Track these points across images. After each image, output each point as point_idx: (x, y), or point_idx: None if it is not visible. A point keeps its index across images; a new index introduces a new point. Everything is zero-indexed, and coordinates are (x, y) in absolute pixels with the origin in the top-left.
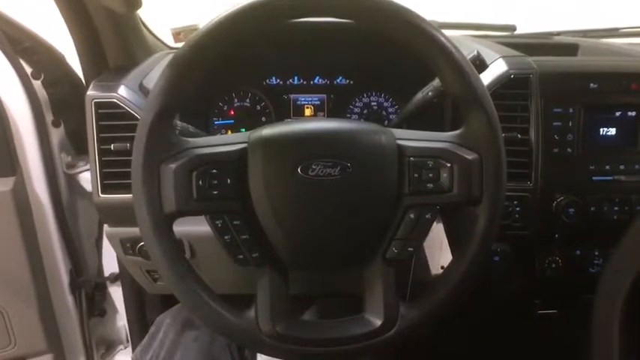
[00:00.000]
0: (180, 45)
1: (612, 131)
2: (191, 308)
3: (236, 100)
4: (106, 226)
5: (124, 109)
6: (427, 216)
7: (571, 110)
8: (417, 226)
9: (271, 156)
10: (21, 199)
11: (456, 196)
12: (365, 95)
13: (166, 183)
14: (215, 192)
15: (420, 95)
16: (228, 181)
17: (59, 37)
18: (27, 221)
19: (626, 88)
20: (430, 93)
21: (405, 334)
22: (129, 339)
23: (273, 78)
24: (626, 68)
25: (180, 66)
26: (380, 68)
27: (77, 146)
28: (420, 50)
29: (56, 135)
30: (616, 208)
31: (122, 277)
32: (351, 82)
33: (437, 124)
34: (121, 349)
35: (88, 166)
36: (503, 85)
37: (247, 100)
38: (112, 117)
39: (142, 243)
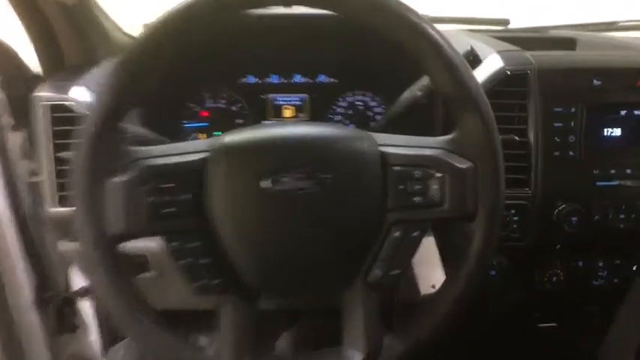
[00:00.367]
0: None
1: (617, 132)
2: (140, 341)
3: (209, 101)
4: (61, 242)
5: (77, 112)
6: (414, 234)
7: (573, 109)
8: (403, 246)
9: (235, 167)
10: None
11: (448, 210)
12: (350, 94)
13: (112, 200)
14: (170, 210)
15: (407, 94)
16: (186, 196)
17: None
18: None
19: (631, 85)
20: (419, 92)
21: None
22: (102, 354)
23: (250, 76)
24: (631, 63)
25: (127, 65)
26: (366, 65)
27: None
28: (407, 44)
29: (16, 140)
30: (622, 216)
31: (92, 289)
32: (335, 81)
33: (427, 129)
34: None
35: None
36: (498, 82)
37: (222, 101)
38: (66, 121)
39: None
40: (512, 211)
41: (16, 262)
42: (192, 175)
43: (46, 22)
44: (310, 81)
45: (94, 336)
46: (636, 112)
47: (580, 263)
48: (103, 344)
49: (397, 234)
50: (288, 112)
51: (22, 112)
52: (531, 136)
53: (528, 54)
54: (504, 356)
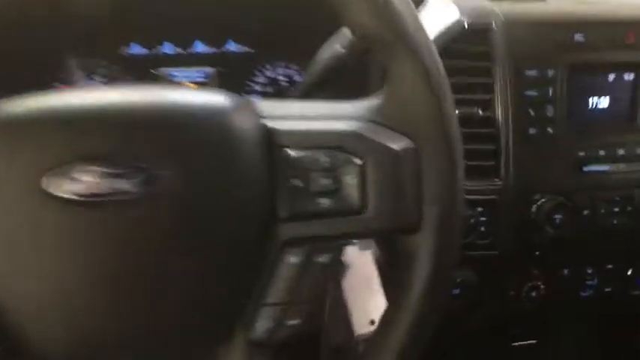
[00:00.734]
0: None
1: (605, 102)
2: None
3: (82, 78)
4: None
5: None
6: (321, 259)
7: (550, 73)
8: (305, 279)
9: (5, 153)
10: None
11: (374, 219)
12: (269, 67)
13: None
14: None
15: (325, 51)
16: None
17: None
18: None
19: (621, 41)
20: (341, 48)
21: None
22: None
23: (136, 46)
24: (619, 15)
25: None
26: (288, 29)
27: None
28: None
29: None
30: (616, 209)
31: None
32: (248, 49)
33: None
34: None
35: None
36: (454, 39)
37: (99, 78)
38: None
39: None
40: (479, 210)
41: None
42: None
43: None
44: (216, 50)
45: None
46: (627, 77)
47: (565, 271)
48: None
49: (294, 259)
50: None
51: None
52: (499, 108)
53: (493, 3)
54: None
